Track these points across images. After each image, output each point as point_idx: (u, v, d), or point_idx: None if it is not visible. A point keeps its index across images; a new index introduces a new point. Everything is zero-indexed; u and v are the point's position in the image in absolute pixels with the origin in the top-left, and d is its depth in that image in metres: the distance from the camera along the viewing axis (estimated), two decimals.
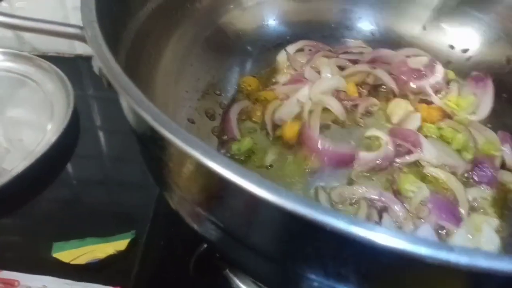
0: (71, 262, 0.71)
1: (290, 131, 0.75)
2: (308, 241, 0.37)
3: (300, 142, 0.74)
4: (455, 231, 0.65)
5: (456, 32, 0.92)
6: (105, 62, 0.41)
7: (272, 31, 0.93)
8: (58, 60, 1.09)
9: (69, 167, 0.89)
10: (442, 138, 0.78)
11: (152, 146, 0.48)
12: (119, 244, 0.74)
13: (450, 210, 0.67)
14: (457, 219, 0.66)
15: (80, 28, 0.47)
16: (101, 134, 0.98)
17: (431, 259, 0.29)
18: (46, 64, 1.01)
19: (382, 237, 0.29)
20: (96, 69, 0.49)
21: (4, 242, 0.76)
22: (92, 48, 0.43)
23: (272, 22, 0.93)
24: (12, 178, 0.79)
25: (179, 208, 0.54)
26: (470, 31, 0.90)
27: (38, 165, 0.82)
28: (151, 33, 0.70)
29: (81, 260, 0.72)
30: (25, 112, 0.95)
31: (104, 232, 0.75)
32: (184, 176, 0.47)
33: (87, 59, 1.12)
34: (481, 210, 0.68)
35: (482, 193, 0.70)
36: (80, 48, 1.15)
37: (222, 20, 0.85)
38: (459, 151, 0.76)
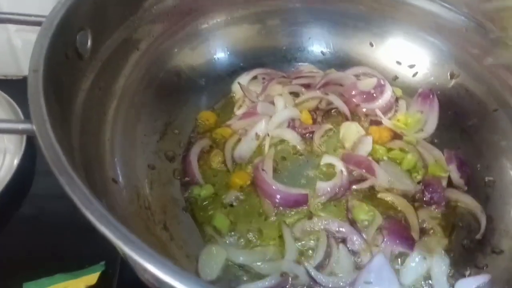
0: None
1: (237, 180, 0.77)
2: None
3: (255, 185, 0.77)
4: (410, 255, 0.70)
5: (404, 49, 0.96)
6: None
7: (223, 62, 0.94)
8: (5, 84, 1.06)
9: (30, 195, 0.87)
10: (391, 160, 0.82)
11: None
12: (90, 279, 0.73)
13: (403, 235, 0.71)
14: (411, 243, 0.71)
15: (30, 123, 0.47)
16: None
17: None
18: None
19: None
20: None
21: None
22: (44, 150, 0.44)
23: (221, 54, 0.94)
24: None
25: None
26: (418, 49, 0.94)
27: (5, 193, 0.80)
28: (103, 86, 0.71)
29: None
30: None
31: (73, 265, 0.73)
32: None
33: None
34: (432, 231, 0.73)
35: (432, 214, 0.75)
36: (27, 70, 1.11)
37: (172, 62, 0.86)
38: (409, 171, 0.81)
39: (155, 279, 0.37)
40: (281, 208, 0.75)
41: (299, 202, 0.75)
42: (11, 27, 1.04)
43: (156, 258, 0.37)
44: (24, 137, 0.88)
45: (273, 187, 0.75)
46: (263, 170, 0.76)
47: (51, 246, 0.78)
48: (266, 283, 0.64)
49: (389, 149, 0.84)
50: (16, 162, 0.85)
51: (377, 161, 0.81)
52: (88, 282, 0.72)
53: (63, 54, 0.59)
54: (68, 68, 0.60)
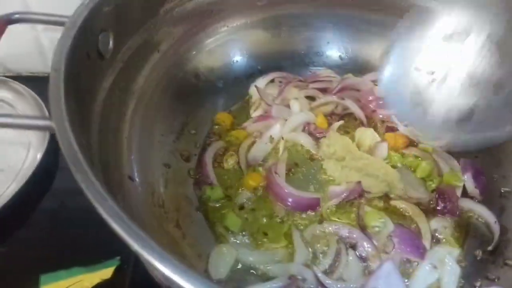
0: None
1: (250, 181, 0.78)
2: None
3: (267, 187, 0.77)
4: (420, 263, 0.69)
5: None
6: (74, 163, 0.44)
7: (241, 65, 0.95)
8: (32, 80, 1.09)
9: (52, 189, 0.89)
10: (406, 167, 0.82)
11: None
12: (105, 273, 0.75)
13: (414, 243, 0.71)
14: (421, 252, 0.70)
15: (51, 120, 0.49)
16: None
17: None
18: (20, 86, 1.01)
19: None
20: None
21: None
22: (62, 148, 0.46)
23: (239, 57, 0.96)
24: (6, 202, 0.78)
25: None
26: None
27: (27, 186, 0.82)
28: (123, 86, 0.73)
29: None
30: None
31: (89, 259, 0.76)
32: None
33: None
34: (444, 240, 0.73)
35: (445, 223, 0.75)
36: None
37: (191, 64, 0.88)
38: (423, 179, 0.80)
39: (164, 276, 0.38)
40: (292, 211, 0.75)
41: (311, 206, 0.75)
42: (39, 26, 1.07)
43: (165, 257, 0.38)
44: (48, 132, 0.90)
45: (285, 190, 0.75)
46: (275, 173, 0.77)
47: (69, 240, 0.80)
48: (274, 284, 0.65)
49: (404, 156, 0.83)
50: (39, 156, 0.88)
51: (392, 167, 0.80)
52: (103, 276, 0.75)
53: (85, 54, 0.61)
54: (89, 68, 0.62)
